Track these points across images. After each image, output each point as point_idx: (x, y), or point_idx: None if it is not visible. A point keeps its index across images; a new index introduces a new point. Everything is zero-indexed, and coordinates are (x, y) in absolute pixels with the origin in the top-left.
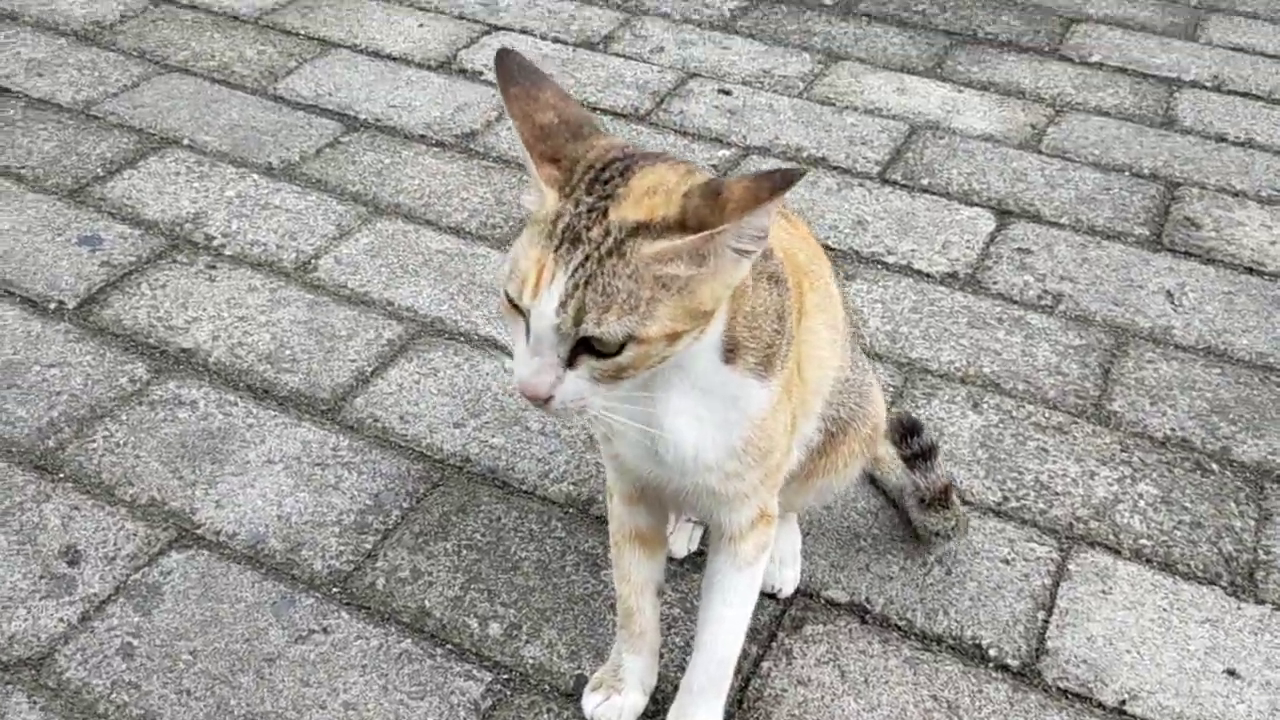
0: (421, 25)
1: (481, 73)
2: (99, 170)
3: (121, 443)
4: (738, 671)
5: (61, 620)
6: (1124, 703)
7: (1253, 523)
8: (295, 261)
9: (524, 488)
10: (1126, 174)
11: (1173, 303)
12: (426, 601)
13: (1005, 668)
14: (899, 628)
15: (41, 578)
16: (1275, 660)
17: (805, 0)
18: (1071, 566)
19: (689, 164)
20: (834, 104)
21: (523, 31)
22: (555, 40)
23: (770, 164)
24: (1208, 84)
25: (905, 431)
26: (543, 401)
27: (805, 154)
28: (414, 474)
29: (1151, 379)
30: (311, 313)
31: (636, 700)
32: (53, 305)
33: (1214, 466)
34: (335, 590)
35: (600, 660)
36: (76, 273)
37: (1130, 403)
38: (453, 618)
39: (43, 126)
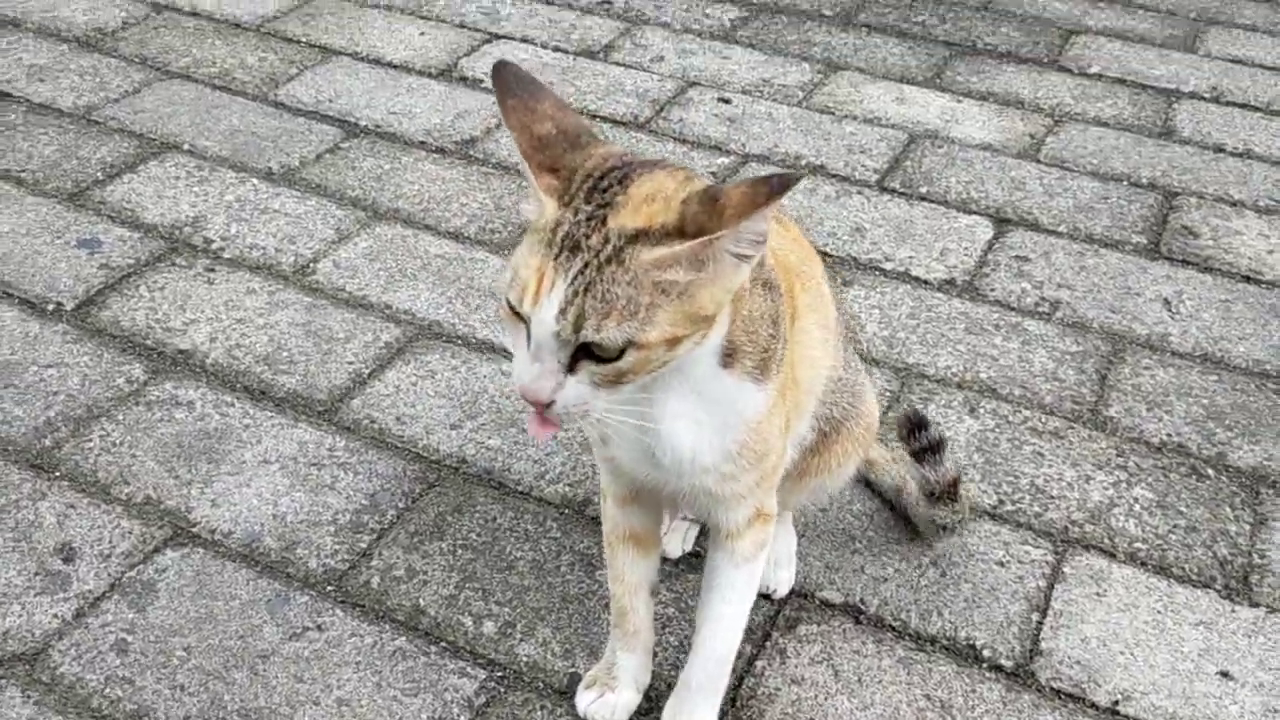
0: (423, 34)
1: (482, 80)
2: (99, 174)
3: (118, 442)
4: (732, 670)
5: (56, 616)
6: (1117, 703)
7: (1248, 527)
8: (294, 265)
9: (520, 489)
10: (1125, 183)
11: (1170, 310)
12: (421, 600)
13: (999, 668)
14: (893, 628)
15: (37, 574)
16: (1269, 662)
17: (805, 11)
18: (1066, 569)
19: (687, 171)
20: (833, 113)
21: (523, 40)
22: (556, 49)
23: (769, 171)
24: (1206, 95)
25: (913, 426)
26: (544, 406)
27: (804, 162)
28: (410, 474)
29: (1148, 385)
30: (309, 315)
31: (630, 698)
32: (51, 306)
33: (1210, 472)
34: (330, 588)
35: (594, 659)
36: (75, 275)
37: (1127, 408)
38: (447, 616)
39: (43, 131)
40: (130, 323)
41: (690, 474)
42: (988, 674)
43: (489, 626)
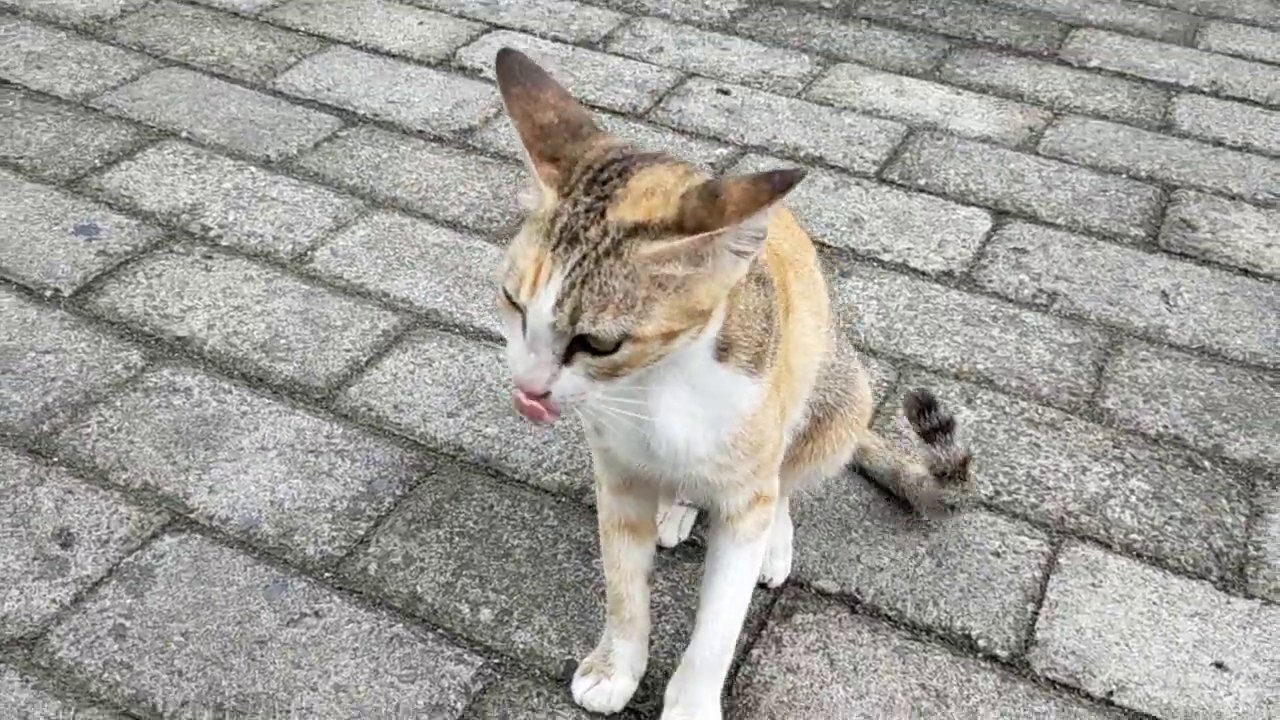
0: (422, 23)
1: (481, 70)
2: (97, 161)
3: (116, 428)
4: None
5: (54, 601)
6: (1111, 694)
7: (1243, 519)
8: (291, 253)
9: (517, 477)
10: (1123, 176)
11: (1167, 303)
12: (418, 587)
13: (994, 658)
14: (889, 618)
15: (35, 559)
16: (1264, 654)
17: (805, 3)
18: (1062, 560)
19: (687, 164)
20: (832, 105)
21: (523, 30)
22: (555, 39)
23: (768, 163)
24: (1206, 89)
25: (922, 407)
26: (539, 396)
27: (803, 153)
28: (407, 462)
29: (1145, 377)
30: (307, 303)
31: (626, 685)
32: (49, 293)
33: (1206, 464)
34: (327, 575)
35: (591, 646)
36: (73, 261)
37: (1123, 400)
38: (444, 603)
39: (41, 118)
40: (128, 309)
41: (685, 465)
42: (983, 664)
43: (486, 614)
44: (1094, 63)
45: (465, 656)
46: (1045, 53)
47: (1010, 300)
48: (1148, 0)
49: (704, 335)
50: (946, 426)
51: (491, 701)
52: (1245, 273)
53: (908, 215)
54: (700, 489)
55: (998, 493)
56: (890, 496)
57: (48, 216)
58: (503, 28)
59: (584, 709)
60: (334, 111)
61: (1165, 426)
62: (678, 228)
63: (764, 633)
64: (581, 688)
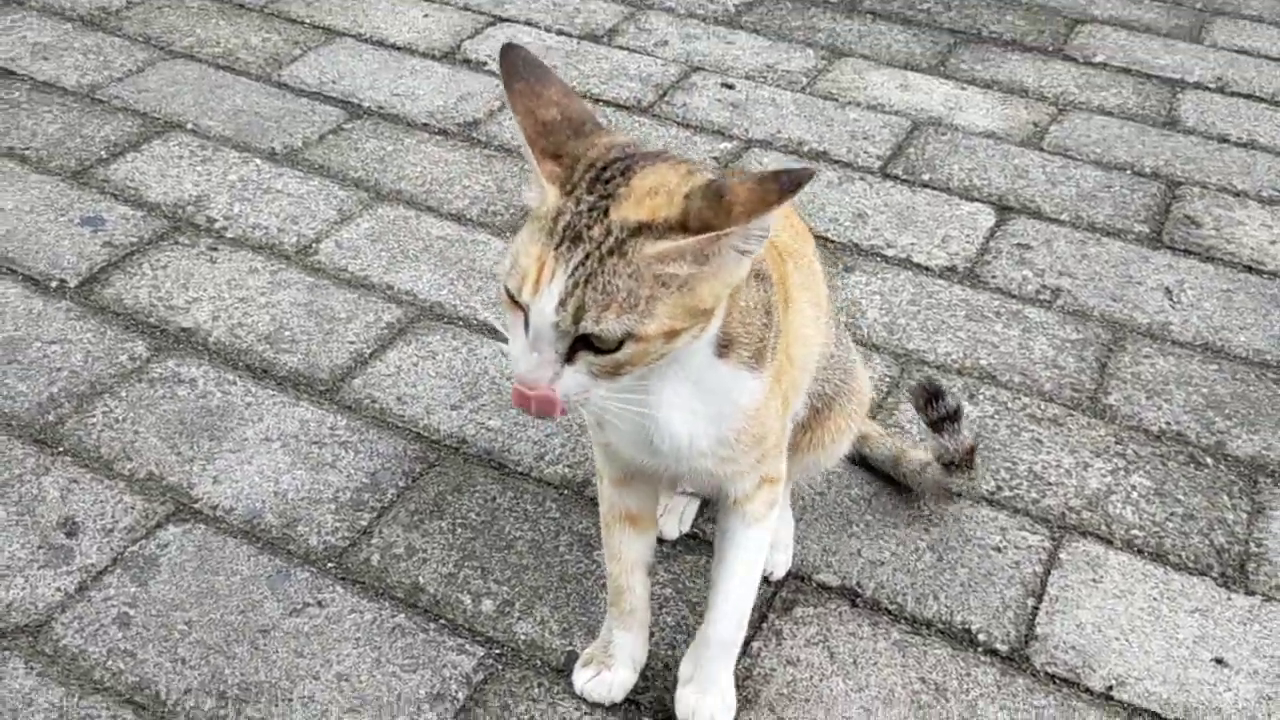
0: (426, 16)
1: (485, 63)
2: (102, 152)
3: (121, 418)
4: None
5: (59, 589)
6: (1111, 689)
7: (1245, 515)
8: (296, 245)
9: (519, 469)
10: (1128, 172)
11: (1171, 299)
12: (420, 578)
13: (994, 652)
14: (889, 611)
15: (40, 548)
16: (1264, 650)
17: None
18: (1063, 555)
19: (689, 163)
20: (837, 99)
21: (527, 23)
22: (560, 32)
23: (771, 158)
24: (1211, 85)
25: (930, 396)
26: (543, 394)
27: (807, 148)
28: (410, 454)
29: (1148, 374)
30: (311, 295)
31: (626, 676)
32: (54, 283)
33: (1208, 460)
34: (330, 565)
35: (592, 638)
36: (79, 252)
37: (1126, 396)
38: (446, 594)
39: (47, 109)
40: (133, 300)
41: (688, 459)
42: (983, 658)
43: (487, 605)
44: (1099, 58)
45: (467, 647)
46: (1050, 48)
47: (1013, 296)
48: None
49: (706, 333)
50: (954, 415)
51: (493, 691)
52: (1249, 269)
53: (911, 210)
54: (705, 479)
55: (999, 488)
56: (891, 490)
57: (54, 207)
58: (508, 20)
59: (584, 699)
60: (339, 104)
61: (1168, 423)
62: (681, 227)
63: (764, 625)
64: (582, 678)
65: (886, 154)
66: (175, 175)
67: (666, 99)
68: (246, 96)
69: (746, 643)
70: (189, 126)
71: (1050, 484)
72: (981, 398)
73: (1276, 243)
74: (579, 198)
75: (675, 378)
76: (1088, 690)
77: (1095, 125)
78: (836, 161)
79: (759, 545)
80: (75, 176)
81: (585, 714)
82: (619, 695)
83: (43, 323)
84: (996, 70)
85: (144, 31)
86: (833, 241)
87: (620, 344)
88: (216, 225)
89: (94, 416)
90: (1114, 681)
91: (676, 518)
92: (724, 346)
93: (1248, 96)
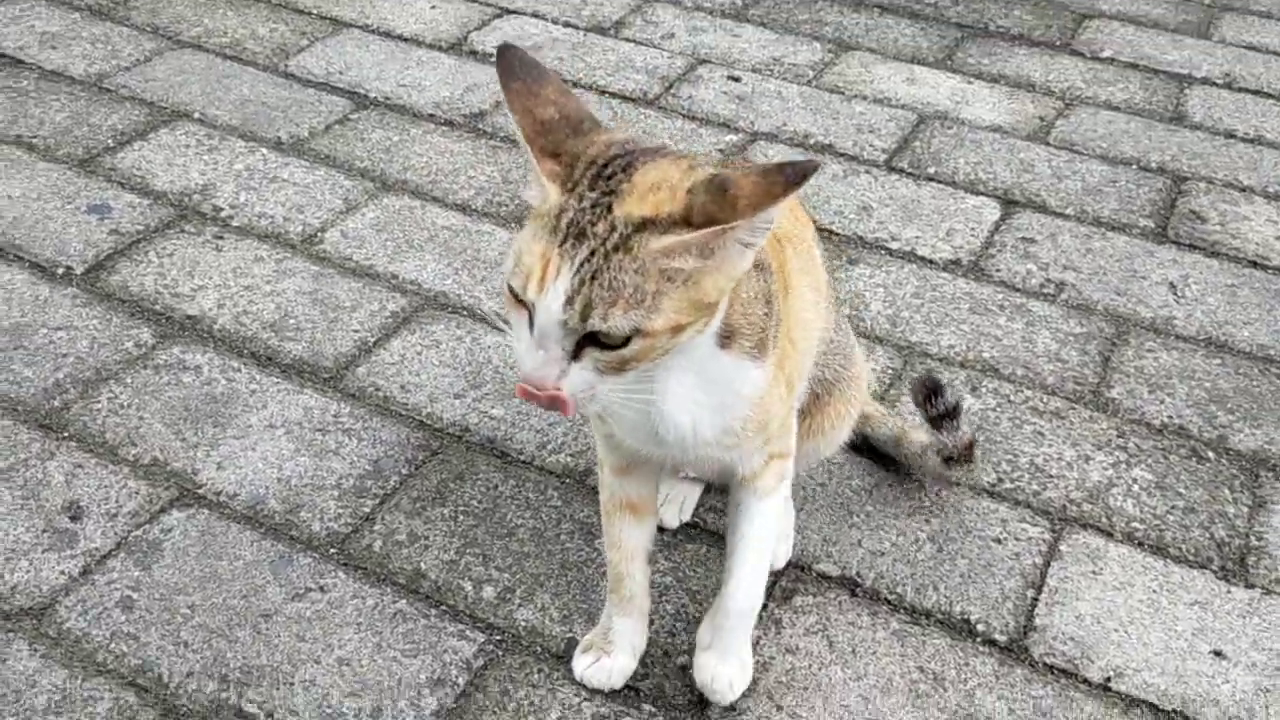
0: (434, 7)
1: (492, 54)
2: (109, 141)
3: (126, 404)
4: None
5: (63, 573)
6: (1109, 680)
7: (1246, 509)
8: (302, 234)
9: (522, 458)
10: (1134, 167)
11: (1175, 294)
12: (422, 564)
13: (993, 643)
14: (888, 601)
15: (44, 531)
16: (1262, 643)
17: None
18: (1063, 547)
19: (689, 158)
20: (843, 92)
21: (534, 15)
22: (567, 24)
23: (777, 150)
24: (1219, 81)
25: (929, 393)
26: (550, 392)
27: (812, 141)
28: (413, 442)
29: (1151, 368)
30: (316, 284)
31: (626, 663)
32: (61, 270)
33: (1210, 454)
34: (333, 551)
35: (592, 625)
36: (85, 240)
37: (1129, 390)
38: (448, 580)
39: (55, 98)
40: (139, 287)
41: (693, 448)
42: (981, 648)
43: (489, 591)
44: (1107, 53)
45: (468, 633)
46: (1058, 43)
47: (1017, 289)
48: None
49: (710, 327)
50: (953, 412)
51: (493, 677)
52: (1254, 265)
53: (916, 204)
54: (710, 465)
55: (1000, 480)
56: (893, 481)
57: (61, 195)
58: (514, 12)
59: (584, 685)
60: (345, 94)
61: (1170, 417)
62: (685, 222)
63: (764, 614)
64: (582, 664)
65: (892, 147)
66: (182, 164)
67: (672, 91)
68: (253, 86)
69: None
70: (196, 116)
71: (1051, 476)
72: (984, 390)
73: None
74: (581, 195)
75: (679, 370)
76: (1086, 681)
77: (1102, 120)
78: (842, 154)
79: (772, 517)
80: (82, 165)
81: (585, 700)
82: (618, 681)
83: (49, 309)
84: (1003, 64)
85: (152, 21)
86: (837, 234)
87: (627, 340)
88: (222, 214)
89: (99, 402)
90: (1112, 673)
91: (677, 507)
92: (726, 338)
93: (1255, 92)
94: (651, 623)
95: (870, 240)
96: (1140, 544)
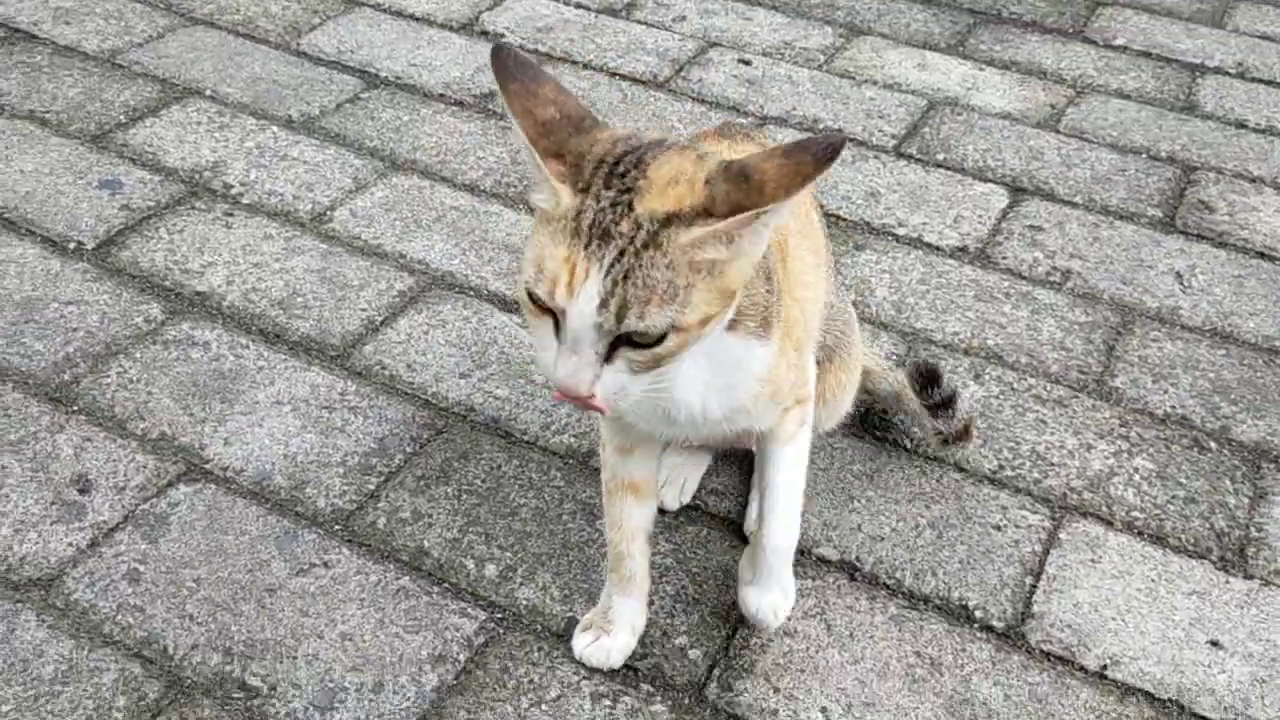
0: None
1: (503, 35)
2: (122, 117)
3: (135, 379)
4: (725, 620)
5: (71, 545)
6: (1105, 667)
7: (1247, 500)
8: (311, 212)
9: (525, 438)
10: (1143, 156)
11: (1182, 284)
12: (425, 542)
13: (990, 629)
14: (887, 586)
15: (53, 504)
16: (1260, 633)
17: None
18: (1062, 535)
19: (695, 148)
20: (853, 77)
21: None
22: (577, 5)
23: (786, 134)
24: (1231, 71)
25: (926, 381)
26: (584, 398)
27: (822, 125)
28: (419, 420)
29: (1155, 357)
30: (325, 262)
31: (625, 641)
32: (72, 245)
33: (1212, 445)
34: (337, 527)
35: (593, 604)
36: (96, 215)
37: (1132, 379)
38: (450, 558)
39: (68, 73)
40: (149, 263)
41: (704, 425)
42: (978, 634)
43: (490, 570)
44: (1119, 41)
45: (469, 610)
46: (1070, 30)
47: (1024, 277)
48: None
49: (728, 314)
50: (949, 401)
51: (493, 654)
52: (1262, 256)
53: (924, 190)
54: (722, 436)
55: (1001, 467)
56: (894, 467)
57: (73, 170)
58: None
59: (583, 664)
60: (356, 73)
61: (1173, 407)
62: (706, 213)
63: None
64: (581, 643)
65: (901, 133)
66: (193, 141)
67: (683, 74)
68: (265, 64)
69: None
70: (208, 93)
71: (1053, 464)
72: (987, 378)
73: None
74: (598, 194)
75: (689, 355)
76: (1082, 668)
77: (1113, 108)
78: (851, 140)
79: (796, 458)
80: (94, 140)
81: (584, 678)
82: (618, 660)
83: (60, 283)
84: (1015, 51)
85: None
86: (844, 219)
87: (661, 337)
88: (233, 191)
89: (109, 377)
90: (1108, 660)
91: (677, 489)
92: (732, 320)
93: (1268, 82)
94: (651, 603)
95: (877, 226)
96: (1140, 533)
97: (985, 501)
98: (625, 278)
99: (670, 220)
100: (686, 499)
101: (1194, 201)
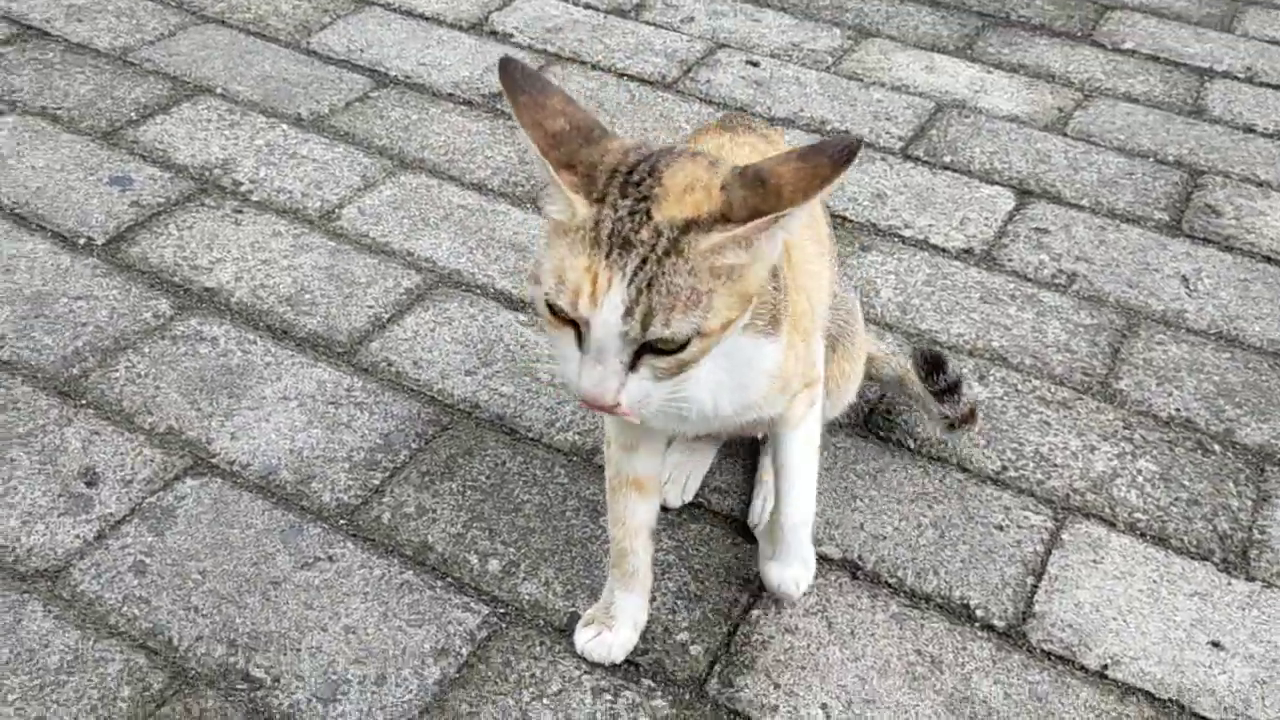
0: None
1: (512, 35)
2: (132, 114)
3: (143, 374)
4: (726, 616)
5: (78, 537)
6: (1106, 667)
7: (1250, 503)
8: (319, 210)
9: (530, 435)
10: (1151, 160)
11: (1187, 287)
12: (429, 537)
13: (991, 628)
14: (889, 585)
15: (60, 496)
16: (1261, 635)
17: None
18: (1065, 536)
19: (705, 154)
20: (861, 79)
21: None
22: (586, 6)
23: (793, 136)
24: (1240, 75)
25: (931, 368)
26: (609, 407)
27: (829, 127)
28: (424, 417)
29: (1160, 360)
30: (333, 259)
31: (627, 637)
32: (82, 241)
33: (1216, 447)
34: (342, 522)
35: (595, 600)
36: (107, 211)
37: (1137, 382)
38: (454, 553)
39: (80, 70)
40: (159, 259)
41: (714, 420)
42: (979, 633)
43: (494, 565)
44: (1128, 45)
45: (472, 605)
46: (1079, 33)
47: (1029, 280)
48: None
49: (746, 317)
50: (954, 387)
51: (496, 649)
52: (1268, 260)
53: (931, 192)
54: (731, 427)
55: (1005, 468)
56: (897, 466)
57: (83, 166)
58: None
59: (585, 659)
60: (366, 72)
61: (1177, 409)
62: (724, 218)
63: (764, 594)
64: (583, 638)
65: (908, 135)
66: (203, 138)
67: (691, 75)
68: (275, 62)
69: (746, 609)
70: (218, 91)
71: (1056, 465)
72: (992, 379)
73: None
74: (615, 204)
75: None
76: (1083, 668)
77: (1120, 112)
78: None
79: (807, 439)
80: (105, 137)
81: (585, 673)
82: (619, 656)
83: (70, 279)
84: (1024, 54)
85: None
86: (851, 221)
87: (685, 343)
88: (242, 188)
89: (117, 371)
90: (1109, 660)
91: (680, 487)
92: None
93: (1277, 87)
94: (653, 599)
95: (883, 228)
96: (1142, 535)
97: (988, 502)
98: (649, 286)
99: (689, 227)
100: (689, 497)
101: (1201, 205)
